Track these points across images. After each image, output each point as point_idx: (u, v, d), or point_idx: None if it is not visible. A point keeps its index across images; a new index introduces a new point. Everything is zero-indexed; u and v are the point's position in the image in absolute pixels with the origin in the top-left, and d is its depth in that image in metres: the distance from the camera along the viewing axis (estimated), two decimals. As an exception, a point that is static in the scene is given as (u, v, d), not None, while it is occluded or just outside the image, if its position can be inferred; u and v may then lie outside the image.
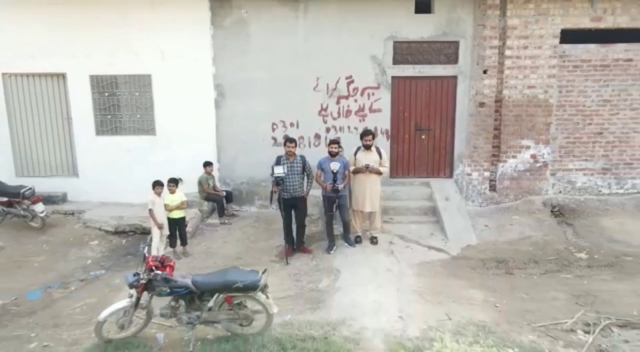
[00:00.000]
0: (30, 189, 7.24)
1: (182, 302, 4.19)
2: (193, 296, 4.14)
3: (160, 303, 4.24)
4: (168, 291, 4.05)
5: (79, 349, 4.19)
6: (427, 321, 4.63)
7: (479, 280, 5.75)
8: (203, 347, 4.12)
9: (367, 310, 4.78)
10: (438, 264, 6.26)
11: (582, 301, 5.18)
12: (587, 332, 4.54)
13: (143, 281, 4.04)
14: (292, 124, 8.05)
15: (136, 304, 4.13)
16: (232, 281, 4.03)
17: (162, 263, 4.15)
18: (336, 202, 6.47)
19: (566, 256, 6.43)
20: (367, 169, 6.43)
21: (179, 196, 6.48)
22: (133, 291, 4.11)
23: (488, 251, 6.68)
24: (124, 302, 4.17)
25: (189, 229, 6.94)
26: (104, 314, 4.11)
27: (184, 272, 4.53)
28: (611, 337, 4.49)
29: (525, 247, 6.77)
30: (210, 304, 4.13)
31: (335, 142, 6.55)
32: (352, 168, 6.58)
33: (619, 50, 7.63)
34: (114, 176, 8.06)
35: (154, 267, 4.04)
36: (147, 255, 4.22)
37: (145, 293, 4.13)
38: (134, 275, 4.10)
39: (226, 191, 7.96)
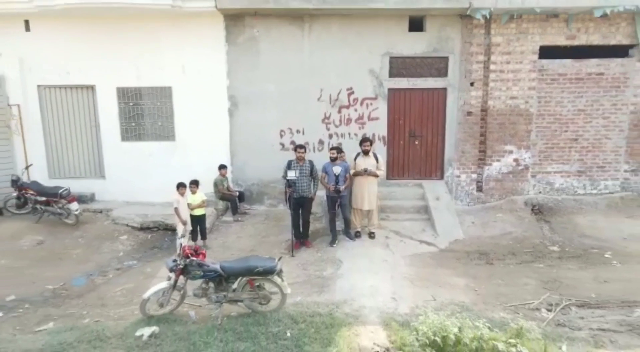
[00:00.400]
0: (66, 189, 8.12)
1: (211, 285, 5.06)
2: (221, 279, 5.01)
3: (191, 287, 5.12)
4: (201, 274, 4.92)
5: (125, 323, 5.06)
6: (416, 301, 5.50)
7: (462, 269, 6.62)
8: (229, 321, 4.98)
9: (365, 293, 5.65)
10: (428, 256, 7.14)
11: (549, 285, 6.05)
12: (550, 310, 5.42)
13: (180, 266, 4.91)
14: (298, 131, 8.93)
15: (174, 286, 5.01)
16: (254, 266, 4.91)
17: (196, 251, 5.03)
18: (338, 201, 7.34)
19: (541, 249, 7.30)
20: (366, 172, 7.31)
21: (199, 196, 7.35)
22: (172, 275, 4.99)
23: (473, 244, 7.54)
24: (163, 284, 5.04)
25: (206, 225, 7.82)
26: (148, 293, 4.98)
27: (212, 260, 5.42)
28: (569, 314, 5.37)
29: (506, 241, 7.65)
30: (235, 285, 5.01)
31: (335, 148, 7.43)
32: (352, 171, 7.46)
33: (592, 65, 8.50)
34: (137, 178, 8.94)
35: (189, 254, 4.92)
36: (183, 245, 5.09)
37: (181, 277, 5.00)
38: (173, 261, 4.97)
39: (239, 192, 8.84)
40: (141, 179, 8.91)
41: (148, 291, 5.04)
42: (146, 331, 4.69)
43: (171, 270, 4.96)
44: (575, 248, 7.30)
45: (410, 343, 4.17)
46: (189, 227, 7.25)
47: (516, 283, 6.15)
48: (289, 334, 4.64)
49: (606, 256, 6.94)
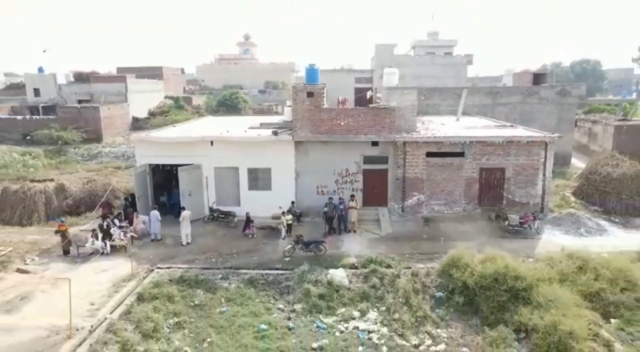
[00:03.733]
0: (233, 212, 19.89)
1: (302, 245, 16.89)
2: (307, 243, 16.86)
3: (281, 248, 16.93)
4: (306, 243, 16.77)
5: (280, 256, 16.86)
6: (370, 253, 17.30)
7: (386, 243, 18.41)
8: (311, 256, 16.75)
9: (350, 251, 17.45)
10: (374, 239, 18.93)
11: (416, 249, 17.82)
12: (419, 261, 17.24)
13: (298, 241, 16.77)
14: (325, 186, 20.72)
15: (293, 247, 16.85)
16: (321, 240, 16.82)
17: (300, 236, 16.92)
18: (335, 216, 19.06)
19: (420, 236, 19.05)
20: (352, 206, 19.13)
21: (290, 216, 19.13)
22: (291, 244, 16.83)
23: (394, 234, 19.30)
24: (289, 246, 16.89)
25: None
26: (285, 248, 16.83)
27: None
28: (413, 259, 17.18)
29: (408, 233, 19.39)
30: (312, 246, 16.86)
31: (352, 195, 19.27)
32: (348, 205, 19.24)
33: (448, 160, 20.24)
34: (254, 206, 20.61)
35: (299, 237, 16.81)
36: (298, 235, 16.98)
37: (294, 244, 16.83)
38: (294, 240, 16.84)
39: (300, 212, 20.60)
40: (256, 206, 20.60)
41: (285, 248, 16.90)
42: (287, 256, 16.57)
43: (295, 241, 16.82)
44: (433, 236, 19.05)
45: (363, 263, 16.06)
46: (285, 227, 19.03)
47: (404, 249, 17.92)
48: (326, 258, 16.50)
49: (441, 239, 18.70)
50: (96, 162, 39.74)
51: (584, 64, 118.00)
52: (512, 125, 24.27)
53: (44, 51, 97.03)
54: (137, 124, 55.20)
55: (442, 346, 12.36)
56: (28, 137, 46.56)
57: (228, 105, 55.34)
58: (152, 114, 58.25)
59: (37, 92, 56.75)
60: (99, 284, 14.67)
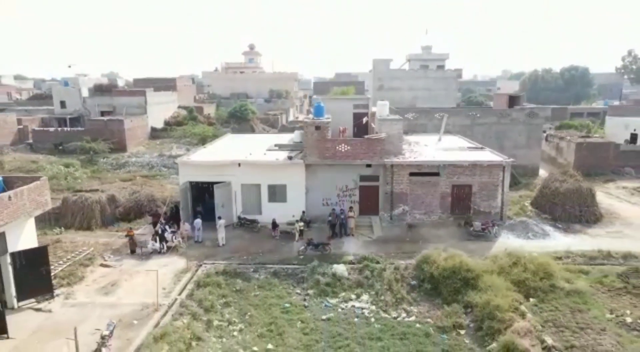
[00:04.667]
0: (256, 219, 25.23)
1: (311, 246, 22.22)
2: (316, 244, 22.19)
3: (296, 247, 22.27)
4: (315, 244, 22.11)
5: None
6: (362, 252, 22.61)
7: (377, 245, 23.71)
8: (319, 255, 22.07)
9: (349, 250, 22.77)
10: (368, 241, 24.25)
11: (401, 249, 23.15)
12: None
13: (309, 243, 22.10)
14: (329, 199, 26.05)
15: (305, 247, 22.18)
16: (326, 242, 22.17)
17: (311, 239, 22.27)
18: (337, 223, 24.39)
19: (404, 239, 24.39)
20: (351, 215, 24.48)
21: (301, 223, 24.44)
22: (305, 245, 22.16)
23: (384, 237, 24.64)
24: (302, 247, 22.23)
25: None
26: (298, 249, 22.17)
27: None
28: (397, 257, 22.55)
29: (393, 236, 24.71)
30: (320, 247, 22.20)
31: (351, 207, 24.62)
32: (347, 214, 24.57)
33: (427, 178, 25.57)
34: (273, 214, 25.87)
35: (310, 240, 22.16)
36: (308, 238, 22.33)
37: (305, 245, 22.16)
38: (307, 242, 22.19)
39: (309, 219, 25.90)
40: (274, 215, 25.86)
41: (299, 248, 22.24)
42: (300, 254, 21.93)
43: (307, 243, 22.17)
44: (414, 239, 24.37)
45: (359, 260, 21.45)
46: (298, 232, 24.34)
47: (390, 249, 23.22)
48: (330, 256, 21.84)
49: (420, 241, 24.00)
50: (124, 171, 45.02)
51: (573, 70, 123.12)
52: (481, 148, 29.58)
53: (69, 67, 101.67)
54: (155, 134, 60.65)
55: (413, 317, 17.67)
56: (60, 147, 51.93)
57: (238, 116, 60.59)
58: (167, 124, 63.67)
59: (63, 104, 61.97)
60: (164, 275, 19.95)
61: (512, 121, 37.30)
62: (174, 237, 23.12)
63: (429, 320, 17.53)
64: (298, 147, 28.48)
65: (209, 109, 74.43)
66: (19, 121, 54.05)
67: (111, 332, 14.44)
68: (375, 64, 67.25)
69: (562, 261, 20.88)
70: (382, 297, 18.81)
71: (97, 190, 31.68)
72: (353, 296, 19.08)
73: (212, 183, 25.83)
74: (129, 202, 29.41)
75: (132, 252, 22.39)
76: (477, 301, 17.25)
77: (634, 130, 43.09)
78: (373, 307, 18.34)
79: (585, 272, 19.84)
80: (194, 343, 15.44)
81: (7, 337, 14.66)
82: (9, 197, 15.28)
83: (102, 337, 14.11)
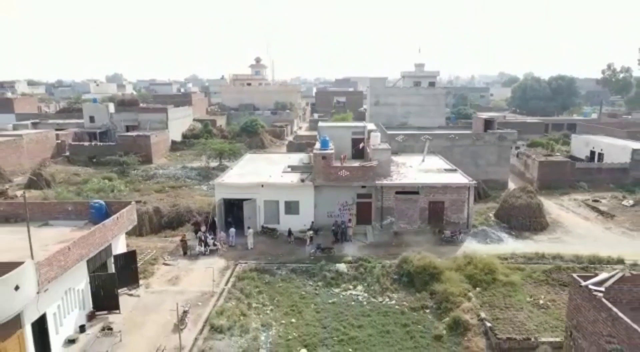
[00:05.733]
0: (274, 227, 32.35)
1: (319, 250, 29.36)
2: (323, 248, 29.35)
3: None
4: (322, 248, 29.25)
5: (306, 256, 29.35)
6: (358, 254, 29.75)
7: (369, 248, 30.84)
8: (325, 256, 29.19)
9: (348, 253, 29.90)
10: (362, 245, 31.37)
11: (390, 252, 30.28)
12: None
13: (318, 247, 29.26)
14: (332, 212, 33.19)
15: (315, 251, 29.32)
16: (331, 246, 29.35)
17: (319, 244, 29.46)
18: (339, 230, 31.53)
19: (390, 243, 31.51)
20: (349, 225, 31.64)
21: (311, 231, 31.57)
22: (315, 249, 29.32)
23: (375, 243, 31.76)
24: (312, 250, 29.37)
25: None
26: (309, 252, 29.31)
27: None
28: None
29: (384, 242, 31.83)
30: (326, 249, 29.34)
31: (336, 220, 31.82)
32: (347, 224, 31.71)
33: (410, 196, 32.75)
34: (289, 223, 32.97)
35: (318, 245, 29.33)
36: (317, 243, 29.51)
37: (315, 249, 29.31)
38: (316, 247, 29.34)
39: (317, 228, 33.03)
40: (289, 224, 32.94)
41: (310, 251, 29.40)
42: (311, 256, 29.12)
43: (316, 247, 29.35)
44: (398, 244, 31.47)
45: (355, 260, 28.66)
46: (309, 238, 31.47)
47: (380, 252, 30.35)
48: (334, 257, 29.01)
49: (403, 245, 31.11)
50: (153, 182, 52.01)
51: (560, 80, 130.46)
52: (455, 170, 36.70)
53: (97, 85, 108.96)
54: (175, 146, 67.93)
55: (393, 301, 24.76)
56: (94, 160, 59.11)
57: (249, 131, 67.72)
58: (185, 137, 70.97)
59: (92, 118, 69.18)
60: (212, 271, 27.01)
61: (485, 143, 44.46)
62: (214, 242, 30.24)
63: (404, 303, 24.64)
64: (307, 169, 35.64)
65: (221, 121, 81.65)
66: (57, 136, 61.13)
67: (189, 309, 21.59)
68: (372, 82, 74.54)
69: (507, 261, 28.03)
70: (372, 288, 25.92)
71: (139, 201, 38.87)
72: (351, 287, 26.18)
73: (241, 200, 32.95)
74: (171, 212, 36.56)
75: (184, 253, 29.52)
76: (439, 289, 24.39)
77: (593, 148, 50.25)
78: (365, 295, 25.45)
79: (522, 269, 26.97)
80: (241, 317, 22.57)
81: (119, 312, 21.77)
82: (117, 218, 22.38)
83: (184, 312, 21.25)
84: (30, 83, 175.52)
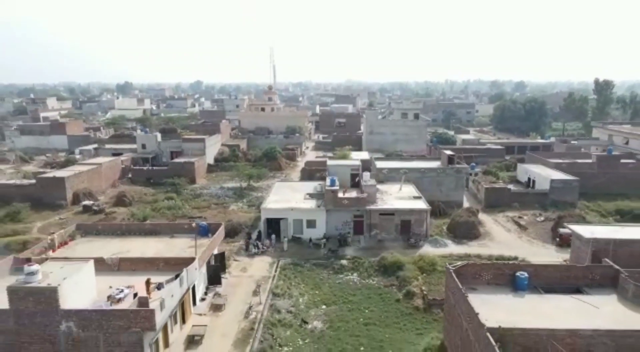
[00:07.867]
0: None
1: (330, 251, 46.67)
2: (331, 251, 46.70)
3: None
4: (332, 250, 46.60)
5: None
6: (354, 254, 47.07)
7: (362, 251, 48.16)
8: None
9: (348, 253, 47.21)
10: (357, 248, 48.71)
11: (372, 253, 47.65)
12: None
13: (329, 250, 46.62)
14: (338, 227, 50.50)
15: (328, 252, 46.63)
16: (337, 249, 46.76)
17: (330, 248, 46.87)
18: (341, 240, 48.80)
19: (375, 248, 48.81)
20: (349, 235, 49.01)
21: (324, 239, 48.84)
22: (328, 251, 46.65)
23: (366, 247, 49.04)
24: (326, 252, 46.71)
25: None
26: (324, 253, 46.65)
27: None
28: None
29: (371, 247, 49.15)
30: (334, 252, 46.72)
31: (341, 232, 49.22)
32: (346, 235, 49.00)
33: (389, 216, 50.12)
34: (310, 234, 50.16)
35: (330, 248, 46.70)
36: (329, 247, 46.92)
37: (328, 251, 46.61)
38: (328, 249, 46.70)
39: (328, 237, 50.28)
40: (309, 235, 50.10)
41: (324, 252, 46.75)
42: (325, 256, 46.52)
43: (328, 250, 46.72)
44: (381, 248, 48.73)
45: (353, 258, 46.18)
46: (323, 244, 48.73)
47: (368, 253, 47.62)
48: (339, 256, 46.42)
49: (383, 249, 48.36)
50: (201, 200, 69.18)
51: (533, 102, 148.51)
52: (420, 197, 54.04)
53: (117, 97, 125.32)
54: (210, 168, 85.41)
55: (375, 282, 42.03)
56: (151, 181, 76.40)
57: (269, 156, 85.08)
58: (216, 160, 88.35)
59: (143, 146, 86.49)
60: (265, 264, 44.25)
61: (446, 175, 61.83)
62: (263, 246, 47.55)
63: (381, 283, 41.90)
64: (320, 196, 52.99)
65: (243, 144, 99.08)
66: (121, 161, 78.44)
67: (260, 284, 38.95)
68: (367, 115, 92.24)
69: (446, 258, 45.32)
70: (362, 274, 43.19)
71: (200, 217, 56.32)
72: (350, 274, 43.46)
73: (278, 219, 50.24)
74: (227, 225, 53.86)
75: (246, 251, 46.87)
76: (402, 275, 41.70)
77: (529, 176, 67.64)
78: (358, 278, 42.72)
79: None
80: (287, 289, 39.81)
81: (221, 286, 39.11)
82: (218, 234, 39.73)
83: (258, 285, 38.56)
84: (60, 98, 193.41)
